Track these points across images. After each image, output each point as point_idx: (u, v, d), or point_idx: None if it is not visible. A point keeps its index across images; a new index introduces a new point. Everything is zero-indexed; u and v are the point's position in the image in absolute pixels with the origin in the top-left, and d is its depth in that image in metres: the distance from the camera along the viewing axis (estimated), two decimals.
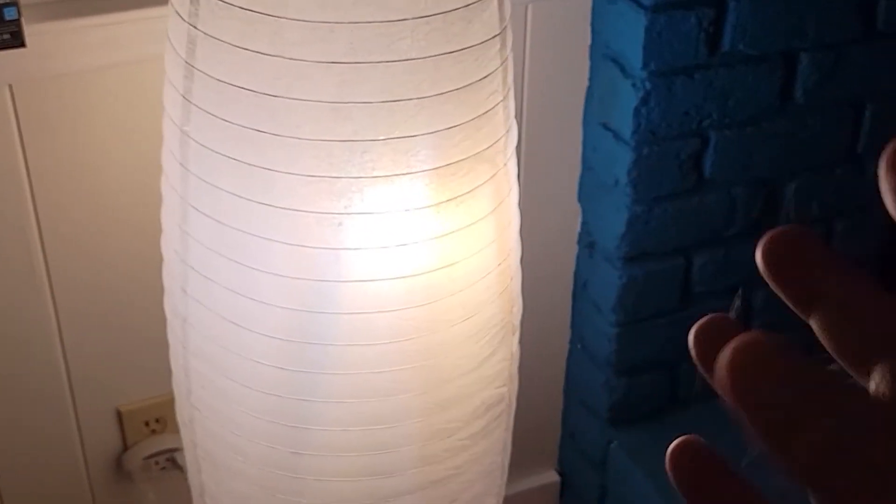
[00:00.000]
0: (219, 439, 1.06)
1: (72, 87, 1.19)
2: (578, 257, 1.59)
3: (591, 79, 1.45)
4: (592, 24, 1.41)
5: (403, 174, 0.89)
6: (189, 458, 1.14)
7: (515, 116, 1.44)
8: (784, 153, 1.49)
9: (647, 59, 1.33)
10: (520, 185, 1.50)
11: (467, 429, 1.06)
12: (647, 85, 1.35)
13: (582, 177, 1.53)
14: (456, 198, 0.92)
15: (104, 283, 1.33)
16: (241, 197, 0.91)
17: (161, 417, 1.44)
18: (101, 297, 1.33)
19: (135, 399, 1.43)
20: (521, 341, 1.66)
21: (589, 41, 1.43)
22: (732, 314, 1.51)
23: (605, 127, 1.43)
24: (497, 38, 0.91)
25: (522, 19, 1.38)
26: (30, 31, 1.10)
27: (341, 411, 0.99)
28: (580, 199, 1.55)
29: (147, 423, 1.45)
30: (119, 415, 1.43)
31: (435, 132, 0.88)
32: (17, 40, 1.06)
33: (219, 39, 0.86)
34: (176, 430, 1.16)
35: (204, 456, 1.10)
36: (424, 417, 1.02)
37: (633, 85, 1.36)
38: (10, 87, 1.16)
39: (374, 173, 0.88)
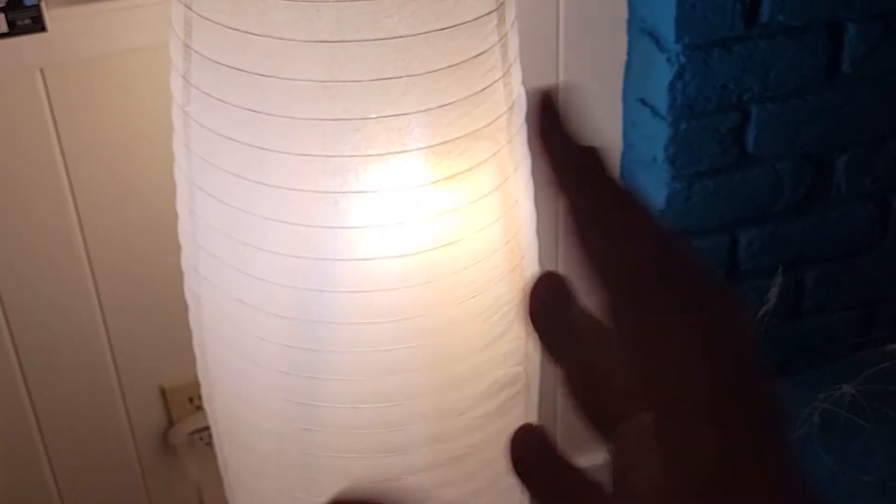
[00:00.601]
0: (235, 416, 1.07)
1: (101, 71, 1.21)
2: None
3: (628, 54, 1.42)
4: None
5: (398, 152, 0.89)
6: (214, 435, 1.16)
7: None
8: (832, 126, 1.45)
9: (681, 33, 1.30)
10: None
11: (480, 408, 1.06)
12: (682, 59, 1.32)
13: (623, 154, 1.51)
14: (455, 175, 0.92)
15: (144, 263, 1.35)
16: (240, 176, 0.91)
17: None
18: (141, 275, 1.36)
19: (178, 376, 1.45)
20: None
21: (626, 15, 1.40)
22: (774, 292, 1.47)
23: (643, 102, 1.41)
24: (493, 14, 0.90)
25: None
26: (51, 15, 1.12)
27: (349, 389, 1.00)
28: (621, 176, 1.52)
29: (191, 399, 1.47)
30: (163, 391, 1.46)
31: (428, 110, 0.88)
32: (37, 24, 1.08)
33: (212, 20, 0.87)
34: None
35: (224, 433, 1.12)
36: (434, 396, 1.02)
37: (668, 59, 1.33)
38: (42, 71, 1.19)
39: (369, 151, 0.88)
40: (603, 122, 1.49)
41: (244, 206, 0.93)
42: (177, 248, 1.33)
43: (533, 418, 1.18)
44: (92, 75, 1.22)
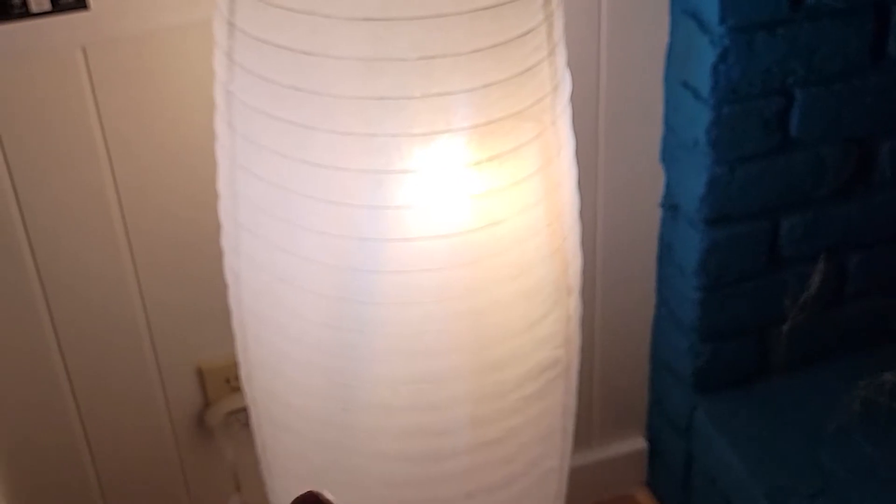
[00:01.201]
0: (273, 396, 1.07)
1: (142, 49, 1.21)
2: (662, 220, 1.56)
3: (671, 35, 1.41)
4: None
5: (442, 132, 0.88)
6: (251, 415, 1.16)
7: (593, 76, 1.42)
8: (877, 111, 1.43)
9: (725, 14, 1.28)
10: (601, 146, 1.49)
11: (520, 390, 1.05)
12: (726, 41, 1.30)
13: (664, 137, 1.49)
14: (498, 156, 0.91)
15: (182, 243, 1.35)
16: (283, 155, 0.91)
17: None
18: (180, 256, 1.36)
19: (215, 357, 1.46)
20: (606, 304, 1.64)
21: None
22: (817, 278, 1.46)
23: (685, 85, 1.39)
24: None
25: None
26: None
27: (389, 369, 0.99)
28: (663, 160, 1.51)
29: (228, 381, 1.47)
30: (200, 372, 1.46)
31: (472, 89, 0.87)
32: (80, 3, 1.08)
33: None
34: None
35: (263, 413, 1.12)
36: (475, 377, 1.01)
37: (711, 41, 1.31)
38: (84, 49, 1.19)
39: (413, 131, 0.88)
40: (644, 105, 1.47)
41: (287, 184, 0.92)
42: (216, 229, 1.33)
43: (571, 401, 1.17)
44: (132, 53, 1.21)
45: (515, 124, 0.91)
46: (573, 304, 1.09)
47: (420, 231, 0.92)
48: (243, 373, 1.12)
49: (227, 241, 1.05)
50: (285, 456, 1.11)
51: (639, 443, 1.80)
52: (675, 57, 1.41)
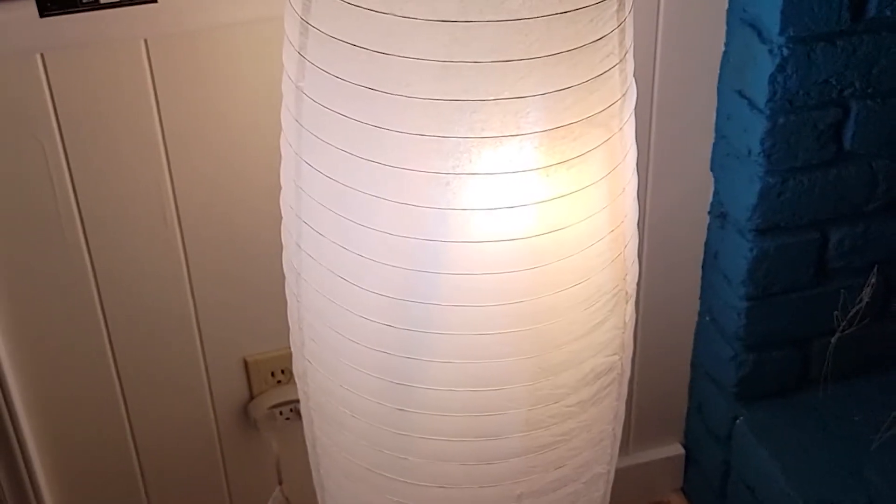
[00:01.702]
0: (328, 393, 1.07)
1: (203, 43, 1.22)
2: (709, 227, 1.56)
3: (727, 44, 1.40)
4: None
5: (513, 136, 0.88)
6: (303, 410, 1.17)
7: (647, 81, 1.42)
8: None
9: (786, 24, 1.28)
10: (651, 152, 1.48)
11: (575, 395, 1.05)
12: (785, 51, 1.30)
13: (715, 145, 1.49)
14: (566, 161, 0.91)
15: (235, 236, 1.36)
16: (351, 153, 0.91)
17: (286, 368, 1.48)
18: (232, 249, 1.37)
19: (261, 350, 1.46)
20: (649, 310, 1.64)
21: (726, 5, 1.38)
22: (868, 292, 1.45)
23: (741, 94, 1.39)
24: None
25: None
26: None
27: (447, 371, 1.00)
28: (713, 168, 1.51)
29: (273, 374, 1.48)
30: (245, 365, 1.47)
31: (545, 94, 0.87)
32: None
33: None
34: None
35: (315, 408, 1.12)
36: (532, 382, 1.02)
37: (770, 51, 1.31)
38: (146, 41, 1.20)
39: (484, 134, 0.88)
40: (696, 113, 1.47)
41: (353, 183, 0.93)
42: (269, 223, 1.33)
43: (622, 407, 1.17)
44: (194, 48, 1.22)
45: (585, 130, 0.91)
46: (630, 310, 1.09)
47: (484, 234, 0.92)
48: (297, 368, 1.13)
49: (287, 235, 1.06)
50: (337, 453, 1.12)
51: (675, 449, 1.80)
52: (731, 65, 1.40)
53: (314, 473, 1.21)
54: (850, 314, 1.49)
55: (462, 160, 0.89)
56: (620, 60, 0.93)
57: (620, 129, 0.96)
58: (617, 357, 1.08)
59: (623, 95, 0.95)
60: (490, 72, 0.85)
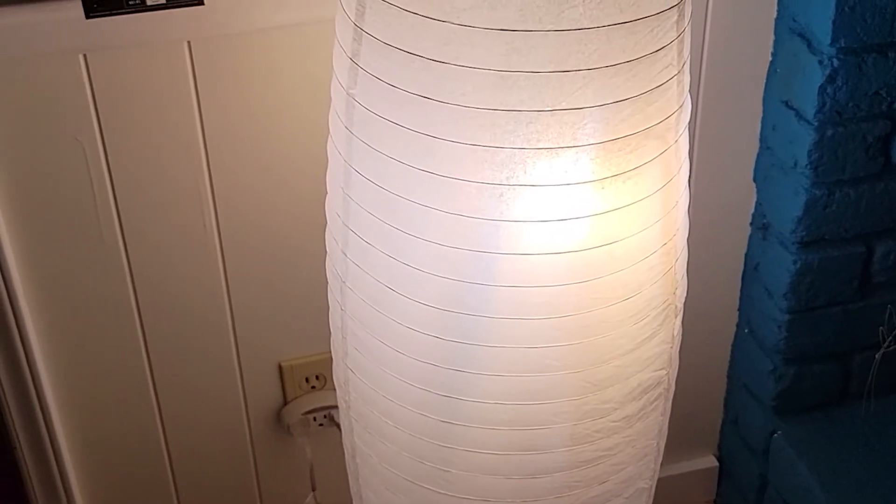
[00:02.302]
0: (371, 402, 1.06)
1: (245, 46, 1.20)
2: (751, 238, 1.54)
3: (774, 54, 1.38)
4: None
5: (569, 147, 0.87)
6: (343, 419, 1.15)
7: (691, 90, 1.40)
8: None
9: (837, 35, 1.26)
10: (693, 161, 1.46)
11: (622, 410, 1.03)
12: (835, 62, 1.28)
13: (759, 156, 1.47)
14: (622, 174, 0.89)
15: (272, 241, 1.35)
16: (403, 163, 0.90)
17: (321, 374, 1.47)
18: (269, 254, 1.36)
19: (296, 355, 1.45)
20: (686, 321, 1.62)
21: (774, 14, 1.36)
22: None
23: (787, 105, 1.37)
24: (675, 9, 0.87)
25: None
26: None
27: (495, 384, 0.98)
28: (756, 178, 1.49)
29: (307, 380, 1.47)
30: (280, 370, 1.46)
31: (603, 105, 0.85)
32: None
33: (388, 3, 0.85)
34: (335, 388, 1.17)
35: (356, 417, 1.11)
36: (579, 396, 1.00)
37: (820, 62, 1.29)
38: (189, 43, 1.19)
39: (539, 145, 0.86)
40: (740, 122, 1.45)
41: (404, 192, 0.91)
42: (307, 229, 1.33)
43: (666, 423, 1.15)
44: (237, 50, 1.21)
45: (641, 142, 0.89)
46: (678, 325, 1.07)
47: (537, 247, 0.91)
48: (339, 376, 1.11)
49: (332, 242, 1.04)
50: (377, 463, 1.10)
51: (709, 461, 1.78)
52: (778, 75, 1.38)
53: (352, 483, 1.20)
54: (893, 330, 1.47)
55: (516, 171, 0.87)
56: (678, 72, 0.91)
57: (676, 141, 0.94)
58: (664, 372, 1.07)
59: (680, 107, 0.93)
60: (548, 82, 0.84)
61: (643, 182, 0.92)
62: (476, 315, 0.94)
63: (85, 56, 1.17)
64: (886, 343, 1.49)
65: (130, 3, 1.08)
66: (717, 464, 1.77)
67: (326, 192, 1.05)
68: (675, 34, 0.89)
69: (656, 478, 1.20)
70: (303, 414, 1.47)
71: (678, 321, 1.07)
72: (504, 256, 0.91)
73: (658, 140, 0.91)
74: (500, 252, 0.91)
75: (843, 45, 1.27)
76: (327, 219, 1.05)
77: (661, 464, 1.75)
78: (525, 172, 0.87)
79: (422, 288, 0.95)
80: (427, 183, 0.89)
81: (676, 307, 1.05)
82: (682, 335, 1.61)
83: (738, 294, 1.60)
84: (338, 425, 1.45)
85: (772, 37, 1.38)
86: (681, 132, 0.95)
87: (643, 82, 0.87)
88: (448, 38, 0.83)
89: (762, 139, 1.45)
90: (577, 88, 0.84)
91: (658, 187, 0.93)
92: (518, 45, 0.82)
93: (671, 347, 1.06)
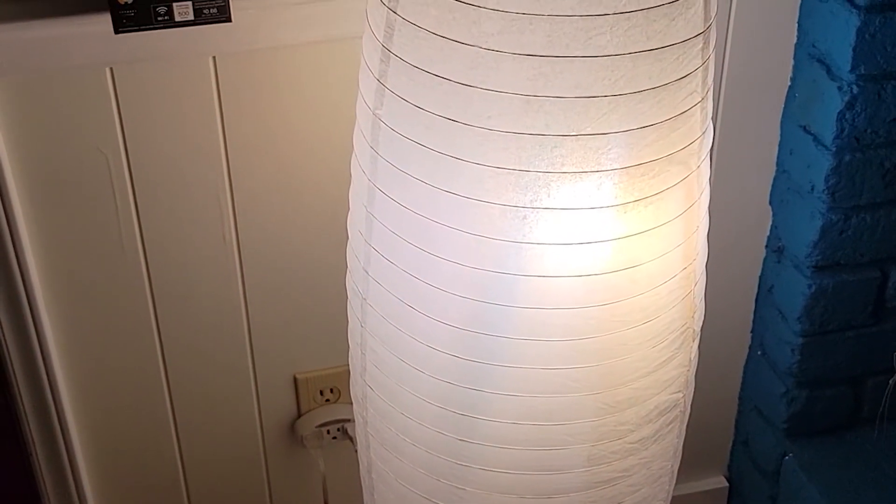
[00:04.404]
0: (388, 418, 1.07)
1: (270, 62, 1.22)
2: (765, 261, 1.54)
3: (793, 79, 1.39)
4: (799, 22, 1.36)
5: (592, 171, 0.87)
6: (359, 434, 1.16)
7: (712, 112, 1.41)
8: None
9: (857, 62, 1.27)
10: (710, 183, 1.47)
11: (638, 432, 1.04)
12: (855, 89, 1.29)
13: (776, 179, 1.47)
14: (644, 199, 0.90)
15: (291, 255, 1.36)
16: (428, 184, 0.91)
17: (335, 387, 1.48)
18: (287, 267, 1.37)
19: (311, 368, 1.46)
20: (699, 341, 1.62)
21: (794, 39, 1.37)
22: None
23: (805, 130, 1.38)
24: (700, 37, 0.88)
25: (726, 13, 1.34)
26: (235, 5, 1.12)
27: (512, 404, 0.99)
28: (772, 201, 1.49)
29: (322, 392, 1.48)
30: (295, 382, 1.46)
31: (628, 130, 0.86)
32: (223, 14, 1.09)
33: (417, 26, 0.86)
34: (349, 401, 1.18)
35: (373, 433, 1.11)
36: (596, 418, 1.01)
37: (839, 88, 1.30)
38: (214, 58, 1.20)
39: (563, 169, 0.87)
40: (758, 146, 1.46)
41: (428, 213, 0.92)
42: (326, 244, 1.33)
43: (681, 445, 1.16)
44: (261, 66, 1.22)
45: (665, 167, 0.90)
46: (695, 349, 1.07)
47: (558, 269, 0.91)
48: (356, 392, 1.12)
49: (353, 259, 1.05)
50: (393, 479, 1.11)
51: (719, 481, 1.78)
52: (796, 100, 1.39)
53: (366, 497, 1.21)
54: None
55: (540, 194, 0.88)
56: (702, 98, 0.92)
57: (698, 167, 0.95)
58: (681, 394, 1.07)
59: (703, 133, 0.94)
60: (573, 107, 0.85)
61: (665, 207, 0.92)
62: (496, 335, 0.95)
63: (111, 69, 1.18)
64: None
65: (159, 19, 1.09)
66: (727, 485, 1.77)
67: (347, 209, 1.06)
68: (700, 61, 0.89)
69: (670, 499, 1.20)
70: (316, 426, 1.48)
71: (695, 345, 1.07)
72: (525, 278, 0.92)
73: (681, 166, 0.92)
74: (521, 274, 0.92)
75: (862, 72, 1.28)
76: (349, 235, 1.06)
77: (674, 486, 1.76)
78: (549, 196, 0.88)
79: (443, 307, 0.95)
80: (451, 204, 0.90)
81: (694, 331, 1.05)
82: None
83: (751, 316, 1.60)
84: (351, 438, 1.46)
85: (791, 62, 1.39)
86: (703, 158, 0.96)
87: (668, 108, 0.88)
88: (475, 61, 0.84)
89: (779, 163, 1.45)
90: (602, 114, 0.85)
91: (679, 212, 0.94)
92: (545, 71, 0.83)
93: (688, 370, 1.07)
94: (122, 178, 1.25)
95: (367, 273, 1.02)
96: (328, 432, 1.49)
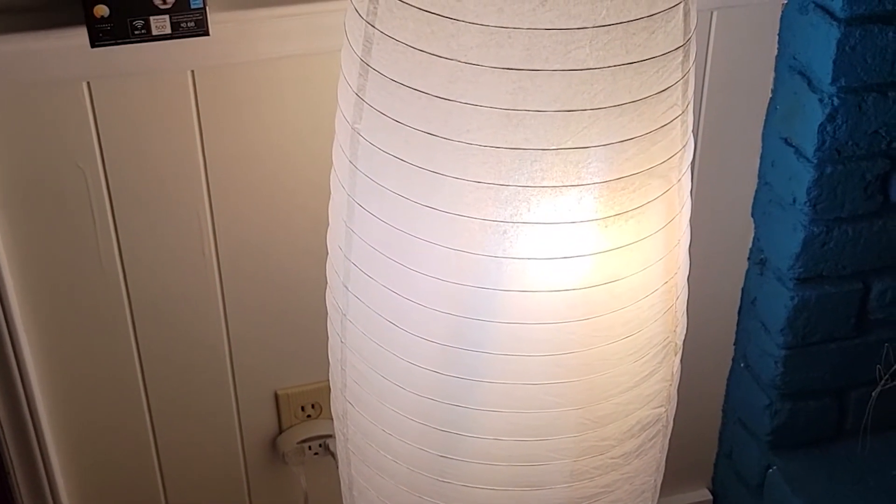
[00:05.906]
0: (369, 435, 1.06)
1: (249, 76, 1.21)
2: (748, 274, 1.54)
3: (774, 91, 1.39)
4: (780, 35, 1.36)
5: (573, 186, 0.87)
6: (340, 451, 1.15)
7: (693, 125, 1.40)
8: None
9: (838, 74, 1.27)
10: (692, 196, 1.47)
11: (621, 447, 1.03)
12: (836, 101, 1.29)
13: (757, 192, 1.47)
14: (625, 213, 0.90)
15: (270, 270, 1.35)
16: (407, 199, 0.90)
17: (317, 403, 1.47)
18: (267, 282, 1.36)
19: (292, 384, 1.45)
20: (682, 354, 1.62)
21: (775, 52, 1.37)
22: None
23: (787, 142, 1.38)
24: (680, 50, 0.88)
25: (707, 26, 1.33)
26: (213, 19, 1.12)
27: (494, 420, 0.98)
28: (754, 214, 1.49)
29: (303, 408, 1.47)
30: (276, 398, 1.45)
31: (608, 144, 0.86)
32: (200, 28, 1.08)
33: (395, 39, 0.85)
34: (331, 417, 1.17)
35: (354, 450, 1.11)
36: (578, 433, 1.00)
37: (821, 100, 1.29)
38: (192, 72, 1.19)
39: (543, 183, 0.86)
40: (740, 158, 1.45)
41: (407, 228, 0.91)
42: (306, 259, 1.32)
43: (663, 459, 1.15)
44: (240, 80, 1.21)
45: (645, 181, 0.89)
46: (677, 362, 1.07)
47: (539, 284, 0.91)
48: (337, 408, 1.11)
49: (333, 275, 1.04)
50: (375, 496, 1.10)
51: (703, 494, 1.77)
52: (778, 113, 1.39)
53: None
54: (890, 369, 1.47)
55: (520, 209, 0.87)
56: (682, 112, 0.92)
57: (679, 180, 0.95)
58: (663, 409, 1.07)
59: (683, 147, 0.94)
60: (553, 121, 0.84)
61: (646, 221, 0.92)
62: (477, 351, 0.94)
63: (88, 83, 1.17)
64: (883, 381, 1.49)
65: (136, 32, 1.08)
66: (711, 497, 1.76)
67: (327, 224, 1.05)
68: (679, 74, 0.89)
69: None
70: (298, 443, 1.47)
71: (677, 359, 1.07)
72: (506, 293, 0.91)
73: (661, 179, 0.91)
74: (502, 289, 0.91)
75: (843, 84, 1.28)
76: (329, 250, 1.05)
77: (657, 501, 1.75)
78: (529, 210, 0.87)
79: (423, 323, 0.95)
80: (431, 219, 0.90)
81: (676, 345, 1.05)
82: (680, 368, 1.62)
83: (734, 329, 1.60)
84: (333, 455, 1.45)
85: (772, 74, 1.39)
86: (683, 171, 0.96)
87: (648, 122, 0.87)
88: (454, 75, 0.83)
89: (761, 175, 1.45)
90: (582, 128, 0.85)
91: (660, 226, 0.93)
92: (524, 84, 0.83)
93: (670, 385, 1.06)
94: (99, 193, 1.24)
95: (346, 288, 1.01)
96: (310, 448, 1.48)
